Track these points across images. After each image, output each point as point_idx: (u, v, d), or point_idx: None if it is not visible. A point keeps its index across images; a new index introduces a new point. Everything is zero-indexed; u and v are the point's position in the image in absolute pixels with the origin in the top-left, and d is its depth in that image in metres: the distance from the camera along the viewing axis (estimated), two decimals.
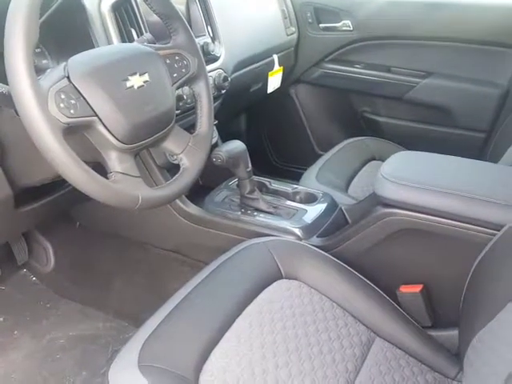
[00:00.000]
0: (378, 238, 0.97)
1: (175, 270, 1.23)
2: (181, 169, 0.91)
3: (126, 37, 1.05)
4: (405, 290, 0.95)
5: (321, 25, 1.76)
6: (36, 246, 1.40)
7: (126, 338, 0.76)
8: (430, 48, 1.64)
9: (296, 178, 1.47)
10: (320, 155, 1.59)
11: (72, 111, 0.71)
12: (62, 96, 0.70)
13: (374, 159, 1.56)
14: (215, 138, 1.37)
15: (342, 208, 1.22)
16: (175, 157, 0.93)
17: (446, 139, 1.65)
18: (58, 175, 0.80)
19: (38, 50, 1.03)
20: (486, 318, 0.70)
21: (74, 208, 1.36)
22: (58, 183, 1.03)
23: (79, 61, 0.76)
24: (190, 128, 1.03)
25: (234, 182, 1.31)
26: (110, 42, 1.02)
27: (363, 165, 1.53)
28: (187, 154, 0.90)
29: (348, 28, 1.73)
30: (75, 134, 0.74)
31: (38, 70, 0.69)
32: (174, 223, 1.22)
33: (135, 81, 0.79)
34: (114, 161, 0.78)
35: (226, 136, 1.42)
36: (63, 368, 1.16)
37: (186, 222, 1.20)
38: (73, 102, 0.71)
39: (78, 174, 0.70)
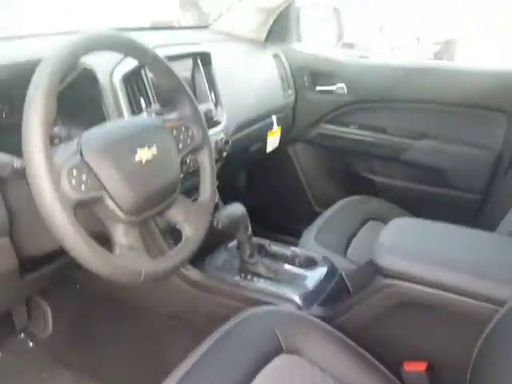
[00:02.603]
0: (379, 310, 0.96)
1: (174, 337, 1.21)
2: (183, 238, 0.91)
3: (135, 107, 1.09)
4: (409, 368, 0.92)
5: (317, 88, 1.82)
6: (35, 310, 1.37)
7: None
8: (422, 111, 1.69)
9: (294, 234, 1.47)
10: (318, 212, 1.60)
11: (83, 187, 0.72)
12: (74, 173, 0.72)
13: (371, 219, 1.58)
14: (216, 198, 1.38)
15: (342, 274, 1.22)
16: (178, 225, 0.93)
17: (441, 200, 1.68)
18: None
19: None
20: None
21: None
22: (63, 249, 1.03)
23: (91, 137, 0.78)
24: (192, 191, 1.04)
25: (233, 243, 1.31)
26: (120, 112, 1.05)
27: (361, 225, 1.54)
28: (189, 222, 0.91)
29: (343, 91, 1.79)
30: (83, 208, 0.75)
31: (49, 138, 0.70)
32: (173, 287, 1.21)
33: (144, 154, 0.80)
34: (120, 235, 0.79)
35: (226, 194, 1.44)
36: None
37: (185, 285, 1.19)
38: (84, 177, 0.73)
39: (85, 252, 0.71)
